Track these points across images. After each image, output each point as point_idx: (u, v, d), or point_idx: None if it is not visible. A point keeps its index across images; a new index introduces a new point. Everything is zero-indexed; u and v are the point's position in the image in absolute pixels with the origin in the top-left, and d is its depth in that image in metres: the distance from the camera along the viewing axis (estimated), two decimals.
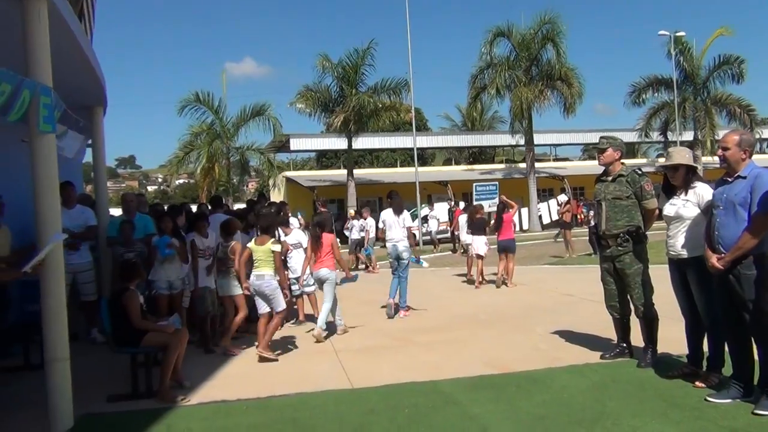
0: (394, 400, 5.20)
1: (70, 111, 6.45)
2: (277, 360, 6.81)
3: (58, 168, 5.02)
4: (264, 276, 6.96)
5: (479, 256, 12.22)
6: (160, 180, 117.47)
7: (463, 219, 13.58)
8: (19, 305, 7.29)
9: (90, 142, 9.48)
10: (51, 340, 4.80)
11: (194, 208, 11.57)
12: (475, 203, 16.64)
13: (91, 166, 9.76)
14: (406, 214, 9.69)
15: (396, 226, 9.53)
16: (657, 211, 5.76)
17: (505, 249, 12.12)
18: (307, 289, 8.88)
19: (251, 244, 7.22)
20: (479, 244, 12.29)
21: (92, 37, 9.47)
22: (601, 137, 6.15)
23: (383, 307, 9.58)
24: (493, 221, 13.21)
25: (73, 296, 7.70)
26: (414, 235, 11.41)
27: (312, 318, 8.75)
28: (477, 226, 12.58)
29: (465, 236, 13.33)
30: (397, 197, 9.81)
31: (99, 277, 8.26)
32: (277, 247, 7.11)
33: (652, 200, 5.78)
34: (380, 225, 10.24)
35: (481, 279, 12.23)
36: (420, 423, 4.64)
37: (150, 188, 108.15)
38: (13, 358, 6.95)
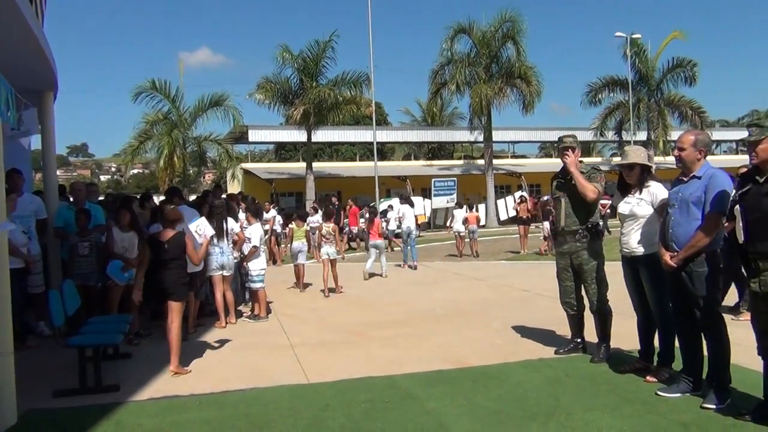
0: (350, 395, 5.16)
1: (18, 95, 6.20)
2: None
3: (4, 154, 4.82)
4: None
5: None
6: (113, 169, 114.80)
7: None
8: None
9: (39, 127, 9.13)
10: None
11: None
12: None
13: (41, 154, 9.41)
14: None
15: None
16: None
17: None
18: (256, 285, 8.76)
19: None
20: None
21: (44, 20, 9.13)
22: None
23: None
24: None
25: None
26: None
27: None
28: None
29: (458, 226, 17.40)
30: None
31: (46, 268, 7.98)
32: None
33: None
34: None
35: None
36: (376, 418, 4.61)
37: (103, 177, 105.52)
38: None
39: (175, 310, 6.21)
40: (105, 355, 5.69)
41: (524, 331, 7.33)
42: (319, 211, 17.85)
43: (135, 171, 75.18)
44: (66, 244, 7.83)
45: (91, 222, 7.81)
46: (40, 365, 6.26)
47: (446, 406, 4.83)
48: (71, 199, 9.06)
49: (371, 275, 12.88)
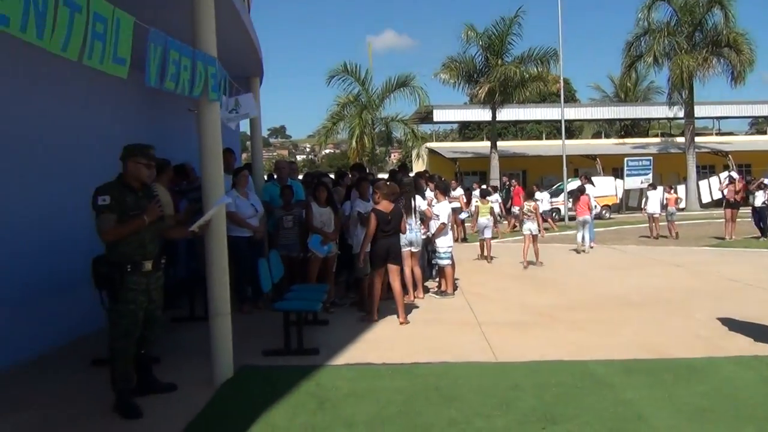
0: (540, 378, 5.06)
1: (232, 81, 6.79)
2: None
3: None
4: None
5: None
6: (308, 149, 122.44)
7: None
8: (185, 262, 7.90)
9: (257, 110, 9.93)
10: (214, 296, 5.13)
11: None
12: None
13: (248, 136, 10.27)
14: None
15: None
16: None
17: None
18: (443, 261, 8.86)
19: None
20: None
21: (250, 9, 9.88)
22: None
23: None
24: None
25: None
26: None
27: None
28: None
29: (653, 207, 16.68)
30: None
31: None
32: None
33: None
34: None
35: None
36: (568, 403, 4.48)
37: (299, 157, 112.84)
38: (180, 309, 7.56)
39: (395, 272, 7.25)
40: (306, 320, 6.10)
41: (734, 324, 6.67)
42: (498, 190, 18.17)
43: (327, 151, 79.70)
44: (271, 218, 8.49)
45: (294, 197, 8.40)
46: (251, 326, 6.88)
47: (644, 398, 4.55)
48: (274, 176, 9.80)
49: (577, 251, 13.78)
